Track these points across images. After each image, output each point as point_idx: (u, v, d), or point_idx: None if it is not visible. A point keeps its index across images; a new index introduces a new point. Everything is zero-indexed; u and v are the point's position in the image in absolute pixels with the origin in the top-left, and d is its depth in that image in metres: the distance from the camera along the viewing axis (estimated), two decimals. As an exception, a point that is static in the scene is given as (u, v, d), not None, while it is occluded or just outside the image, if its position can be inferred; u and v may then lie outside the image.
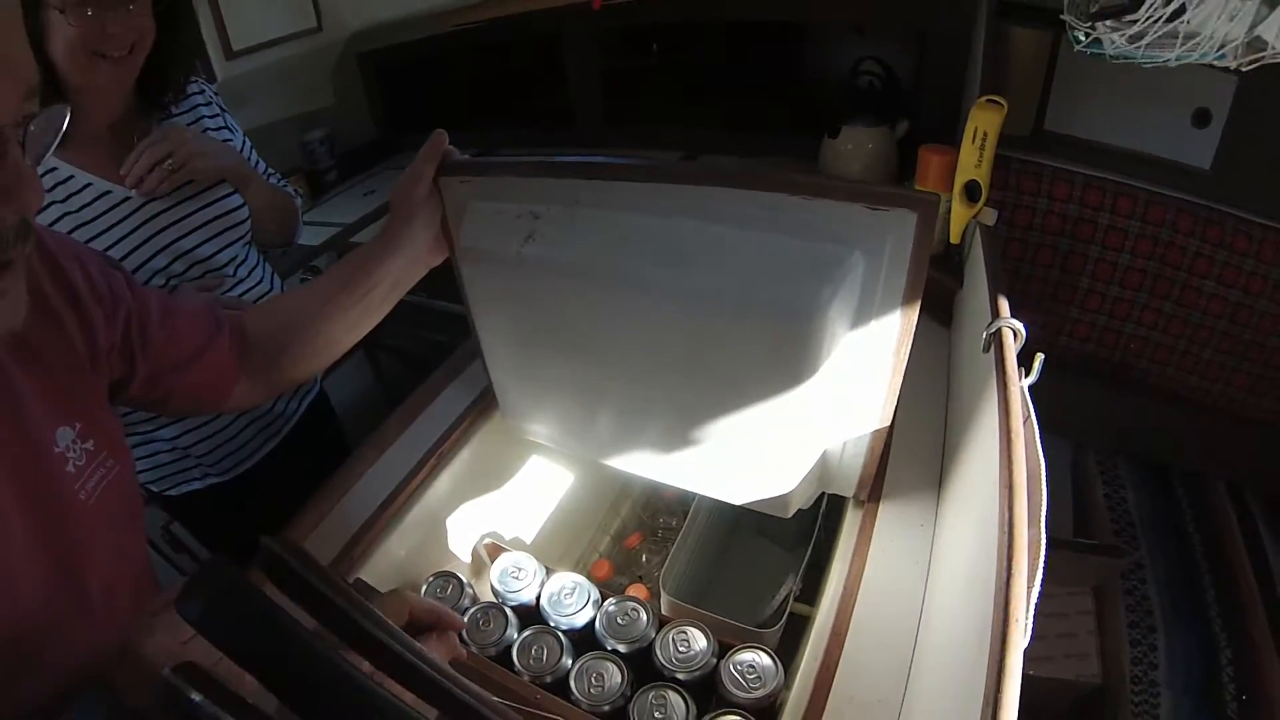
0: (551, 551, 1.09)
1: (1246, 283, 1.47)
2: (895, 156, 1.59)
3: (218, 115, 1.22)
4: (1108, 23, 0.82)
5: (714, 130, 1.94)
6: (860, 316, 0.70)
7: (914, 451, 0.92)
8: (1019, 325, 0.77)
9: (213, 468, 1.24)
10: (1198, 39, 0.75)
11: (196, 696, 0.28)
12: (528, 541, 1.07)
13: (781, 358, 0.71)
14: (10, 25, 0.48)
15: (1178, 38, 0.77)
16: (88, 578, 0.62)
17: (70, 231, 0.97)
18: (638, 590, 1.01)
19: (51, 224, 0.96)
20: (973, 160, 1.02)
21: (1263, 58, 0.76)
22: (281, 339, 0.85)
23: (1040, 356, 0.75)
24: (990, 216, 1.03)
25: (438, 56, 2.29)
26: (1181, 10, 0.74)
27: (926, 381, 1.03)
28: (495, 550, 0.97)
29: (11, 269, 0.49)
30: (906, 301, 0.68)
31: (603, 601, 0.84)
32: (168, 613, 0.51)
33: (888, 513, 0.85)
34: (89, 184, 1.00)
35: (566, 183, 0.78)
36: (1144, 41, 0.78)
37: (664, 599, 0.87)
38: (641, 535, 1.14)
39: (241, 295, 1.20)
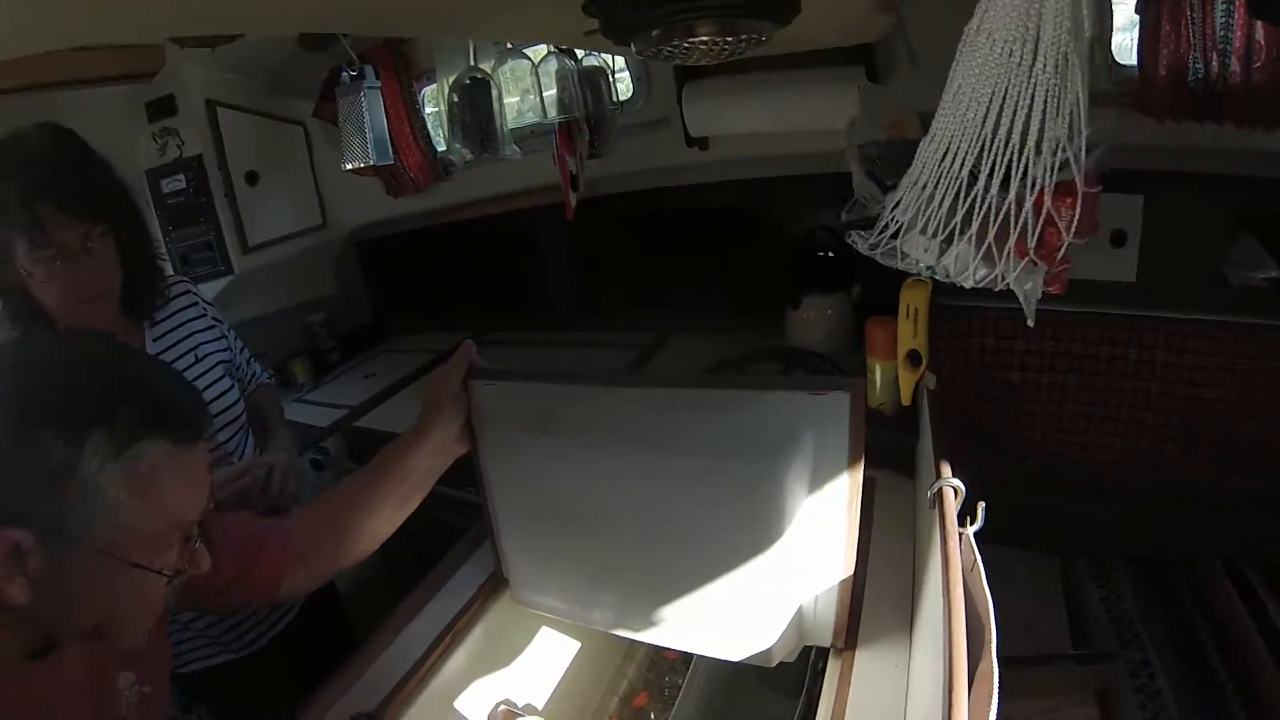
0: (563, 715, 1.14)
1: (1190, 376, 1.57)
2: (853, 320, 1.72)
3: (204, 315, 1.31)
4: (859, 231, 1.01)
5: (683, 310, 2.09)
6: (815, 480, 0.83)
7: (886, 597, 1.00)
8: (958, 484, 0.88)
9: (228, 646, 1.29)
10: (909, 258, 0.94)
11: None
12: (540, 707, 1.12)
13: (752, 521, 0.84)
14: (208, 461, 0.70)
15: (897, 254, 0.96)
16: None
17: None
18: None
19: None
20: (910, 332, 1.16)
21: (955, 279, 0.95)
22: (334, 530, 0.96)
23: (982, 505, 0.85)
24: (931, 381, 1.17)
25: (428, 248, 2.50)
26: (897, 234, 0.93)
27: (896, 531, 1.11)
28: (509, 716, 1.03)
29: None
30: (850, 465, 0.81)
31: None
32: None
33: (864, 657, 0.92)
34: None
35: (575, 388, 0.96)
36: (878, 251, 0.97)
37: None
38: (648, 695, 1.19)
39: None
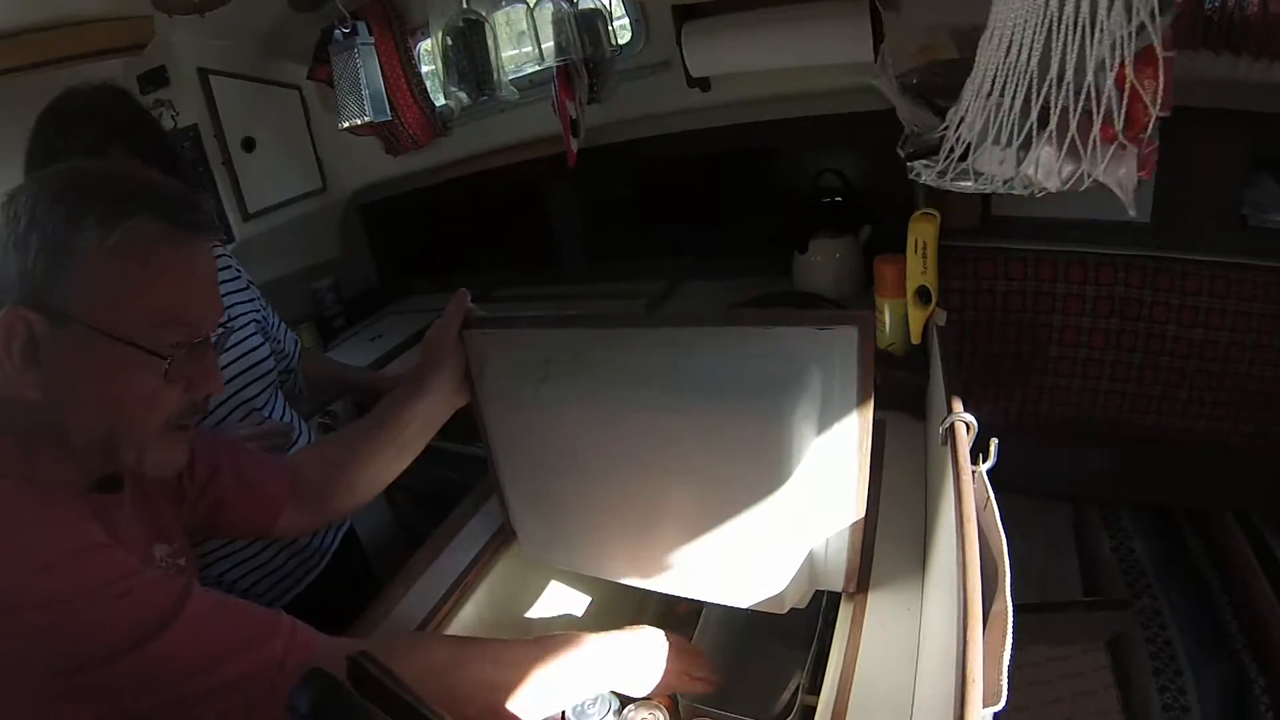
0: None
1: (1205, 319, 1.55)
2: (861, 263, 1.69)
3: (237, 276, 1.37)
4: (922, 162, 0.97)
5: (691, 257, 2.07)
6: (824, 420, 0.81)
7: (898, 541, 0.99)
8: (970, 419, 0.86)
9: (260, 598, 1.30)
10: (984, 176, 0.90)
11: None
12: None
13: (759, 463, 0.82)
14: (214, 267, 0.72)
15: (970, 175, 0.92)
16: None
17: None
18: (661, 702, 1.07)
19: None
20: (918, 268, 1.13)
21: (1040, 187, 0.91)
22: (329, 475, 0.97)
23: (995, 442, 0.83)
24: (941, 317, 1.14)
25: (432, 207, 2.48)
26: (966, 155, 0.90)
27: (907, 473, 1.10)
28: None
29: (188, 430, 0.72)
30: (860, 402, 0.79)
31: (623, 709, 0.90)
32: None
33: (877, 601, 0.91)
34: None
35: (573, 332, 0.94)
36: (947, 177, 0.93)
37: (681, 703, 0.93)
38: (659, 651, 1.19)
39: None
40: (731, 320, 0.84)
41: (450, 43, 1.70)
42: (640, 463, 0.90)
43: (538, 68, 1.94)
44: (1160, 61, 0.77)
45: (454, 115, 2.10)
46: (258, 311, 1.39)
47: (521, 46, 1.98)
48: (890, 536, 1.00)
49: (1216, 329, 1.55)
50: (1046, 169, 0.86)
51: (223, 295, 1.27)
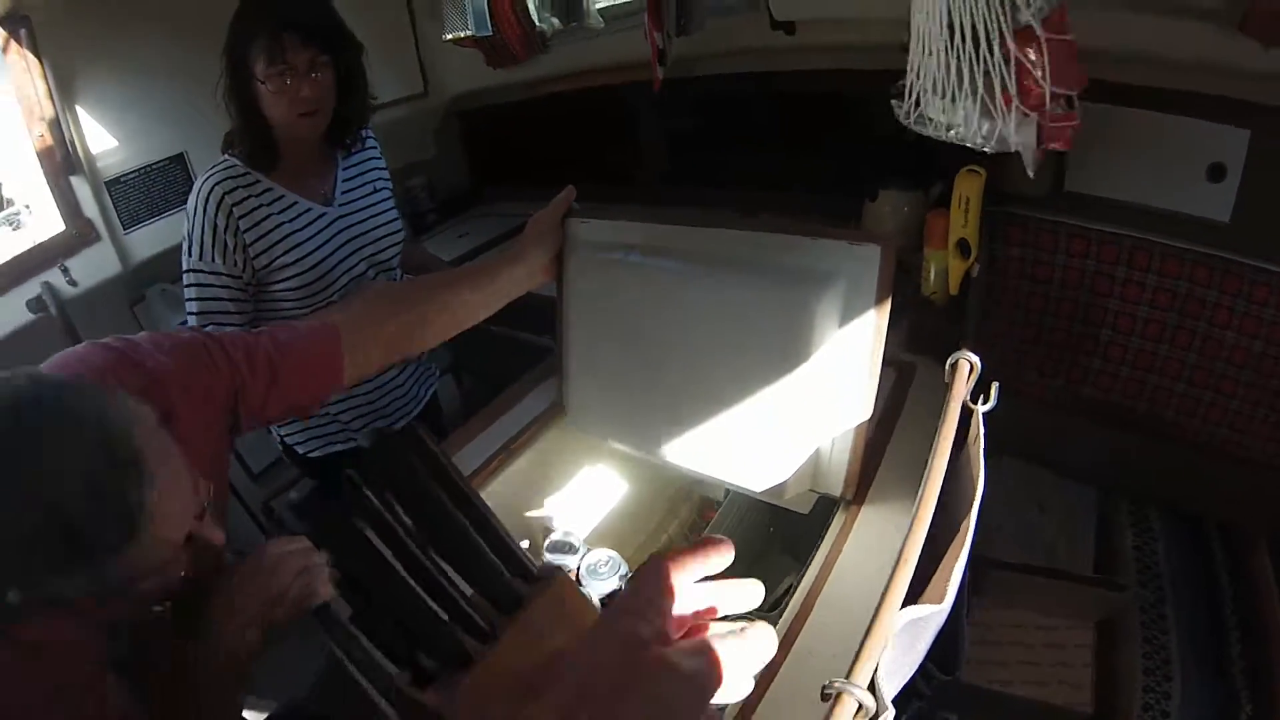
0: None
1: (1269, 332, 1.50)
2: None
3: (382, 159, 1.52)
4: (895, 101, 1.04)
5: (765, 192, 2.10)
6: (843, 319, 0.92)
7: (900, 470, 1.07)
8: (974, 359, 0.92)
9: (357, 433, 1.47)
10: (934, 122, 0.96)
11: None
12: (582, 538, 1.20)
13: (784, 345, 0.95)
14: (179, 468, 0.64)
15: (926, 121, 0.99)
16: None
17: (284, 239, 1.28)
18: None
19: (268, 232, 1.27)
20: (960, 221, 1.19)
21: (973, 140, 0.97)
22: (404, 317, 0.99)
23: (995, 385, 0.89)
24: (974, 269, 1.20)
25: (525, 120, 2.58)
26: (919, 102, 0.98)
27: (925, 416, 1.13)
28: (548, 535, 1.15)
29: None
30: (877, 311, 0.90)
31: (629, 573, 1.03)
32: None
33: (868, 515, 1.01)
34: (296, 202, 1.31)
35: (655, 227, 1.09)
36: (911, 119, 1.00)
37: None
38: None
39: None
40: (782, 229, 0.96)
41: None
42: (687, 340, 1.03)
43: (628, -1, 2.00)
44: (1043, 40, 0.84)
45: (550, 36, 2.19)
46: (391, 190, 1.53)
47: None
48: (894, 465, 1.08)
49: (1279, 344, 1.51)
50: (968, 120, 0.93)
51: (370, 169, 1.45)
